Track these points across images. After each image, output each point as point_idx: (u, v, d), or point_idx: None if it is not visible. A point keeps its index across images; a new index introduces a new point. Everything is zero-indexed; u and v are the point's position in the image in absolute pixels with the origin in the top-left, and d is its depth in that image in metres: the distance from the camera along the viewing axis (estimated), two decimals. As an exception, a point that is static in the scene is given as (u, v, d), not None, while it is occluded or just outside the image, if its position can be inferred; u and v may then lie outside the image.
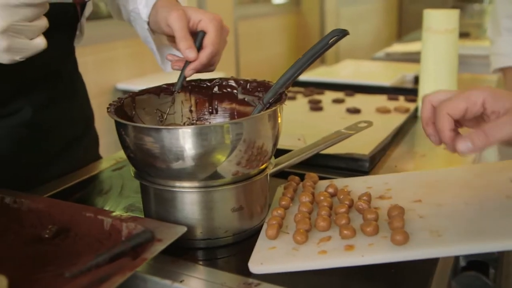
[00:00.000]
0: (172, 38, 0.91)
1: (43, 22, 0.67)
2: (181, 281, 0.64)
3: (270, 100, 0.76)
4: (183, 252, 0.72)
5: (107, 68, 3.08)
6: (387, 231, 0.67)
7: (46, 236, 0.68)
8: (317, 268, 0.64)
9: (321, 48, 0.76)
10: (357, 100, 1.49)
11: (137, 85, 2.93)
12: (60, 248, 0.65)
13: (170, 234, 0.62)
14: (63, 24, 0.97)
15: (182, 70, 0.84)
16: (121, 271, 0.55)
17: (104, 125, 1.19)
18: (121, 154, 1.13)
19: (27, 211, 0.75)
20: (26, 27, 0.65)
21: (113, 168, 1.07)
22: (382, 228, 0.68)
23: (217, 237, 0.73)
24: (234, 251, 0.74)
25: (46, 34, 0.82)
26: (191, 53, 0.82)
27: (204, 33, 0.84)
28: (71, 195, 0.95)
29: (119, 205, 0.89)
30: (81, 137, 1.12)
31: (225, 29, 0.88)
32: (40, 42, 0.68)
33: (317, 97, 1.53)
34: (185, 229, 0.64)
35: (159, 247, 0.59)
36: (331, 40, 0.75)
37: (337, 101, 1.47)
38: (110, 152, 1.27)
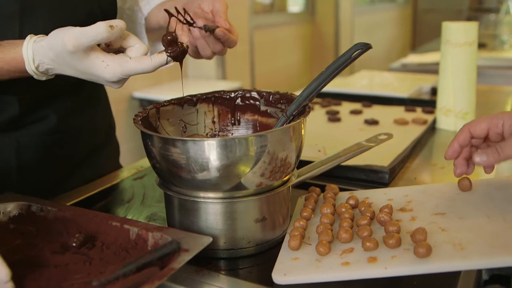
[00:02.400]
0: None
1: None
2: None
3: (294, 113, 0.77)
4: (207, 261, 0.73)
5: (124, 77, 3.10)
6: (410, 243, 0.68)
7: (74, 244, 0.69)
8: (340, 280, 0.65)
9: (344, 62, 0.77)
10: (375, 112, 1.50)
11: (153, 94, 2.96)
12: (87, 257, 0.66)
13: (196, 244, 0.63)
14: None
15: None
16: (149, 280, 0.56)
17: (120, 134, 1.21)
18: (142, 163, 1.15)
19: (53, 219, 0.76)
20: None
21: (134, 177, 1.08)
22: (404, 240, 0.68)
23: (240, 248, 0.74)
24: (256, 261, 0.75)
25: None
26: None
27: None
28: (94, 204, 0.96)
29: (142, 214, 0.90)
30: (103, 145, 1.13)
31: None
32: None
33: (334, 108, 1.54)
34: (210, 239, 0.65)
35: (186, 257, 0.60)
36: (354, 54, 0.76)
37: (355, 112, 1.48)
38: (127, 160, 1.28)
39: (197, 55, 0.98)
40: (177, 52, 0.76)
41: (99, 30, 0.72)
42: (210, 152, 0.68)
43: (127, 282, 0.57)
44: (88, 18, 0.92)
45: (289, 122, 0.77)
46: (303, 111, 0.77)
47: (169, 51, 0.75)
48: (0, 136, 0.92)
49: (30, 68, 0.76)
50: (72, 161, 1.04)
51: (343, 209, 0.79)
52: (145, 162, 1.15)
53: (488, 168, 0.80)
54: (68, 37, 0.73)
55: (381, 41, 6.55)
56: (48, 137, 0.97)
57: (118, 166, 1.21)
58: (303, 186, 0.90)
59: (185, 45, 0.78)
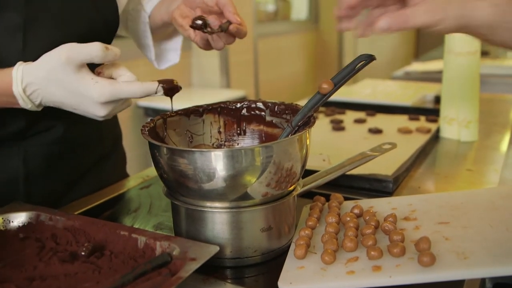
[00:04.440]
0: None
1: (130, 102, 0.82)
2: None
3: (299, 123, 0.78)
4: (213, 270, 0.74)
5: (129, 85, 3.12)
6: (414, 252, 0.68)
7: (83, 253, 0.70)
8: (345, 288, 0.65)
9: (349, 73, 0.78)
10: (379, 120, 1.51)
11: (157, 103, 2.97)
12: (96, 266, 0.67)
13: (203, 253, 0.64)
14: (104, 40, 1.00)
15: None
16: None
17: (126, 142, 1.22)
18: (148, 172, 1.16)
19: (62, 228, 0.77)
20: (119, 107, 0.80)
21: (141, 186, 1.09)
22: (408, 249, 0.69)
23: (246, 256, 0.75)
24: (262, 270, 0.76)
25: None
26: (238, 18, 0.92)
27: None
28: (101, 213, 0.97)
29: (149, 223, 0.91)
30: (110, 154, 1.15)
31: None
32: (128, 104, 0.82)
33: (338, 117, 1.55)
34: (217, 248, 0.66)
35: (193, 266, 0.61)
36: (359, 65, 0.77)
37: (359, 121, 1.49)
38: (133, 168, 1.29)
39: (208, 47, 0.99)
40: (170, 88, 0.78)
41: (95, 47, 0.75)
42: (217, 163, 0.69)
43: (136, 290, 0.58)
44: (90, 29, 0.94)
45: (294, 133, 0.78)
46: (308, 122, 0.78)
47: (162, 84, 0.77)
48: (8, 146, 0.93)
49: (17, 90, 0.77)
50: (79, 170, 1.05)
51: (348, 218, 0.79)
52: (151, 172, 1.16)
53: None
54: (64, 49, 0.76)
55: (384, 49, 6.56)
56: (55, 147, 0.98)
57: (125, 175, 1.22)
58: (308, 195, 0.91)
59: (179, 85, 0.81)
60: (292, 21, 5.43)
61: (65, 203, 1.01)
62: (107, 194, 1.06)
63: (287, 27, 5.11)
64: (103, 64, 0.80)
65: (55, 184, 1.01)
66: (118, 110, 0.81)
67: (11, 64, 0.86)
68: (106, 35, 1.01)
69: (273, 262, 0.77)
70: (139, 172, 1.19)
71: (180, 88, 0.81)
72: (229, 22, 0.93)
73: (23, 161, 0.95)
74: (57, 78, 0.76)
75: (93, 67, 0.79)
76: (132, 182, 1.12)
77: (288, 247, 0.78)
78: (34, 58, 0.87)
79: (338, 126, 1.42)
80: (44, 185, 0.98)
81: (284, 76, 4.88)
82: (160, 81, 0.77)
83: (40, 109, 0.82)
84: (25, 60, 0.84)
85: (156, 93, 0.77)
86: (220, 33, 0.94)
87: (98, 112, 0.78)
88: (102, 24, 0.98)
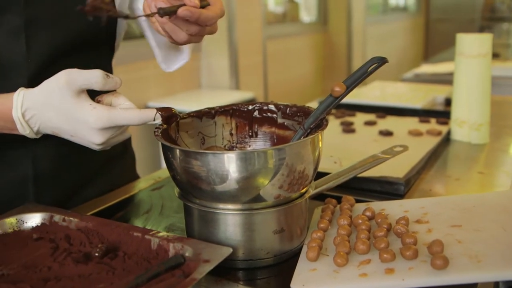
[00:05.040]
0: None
1: (128, 134, 0.83)
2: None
3: (311, 126, 0.78)
4: (226, 272, 0.74)
5: (138, 87, 3.14)
6: (426, 255, 0.69)
7: (96, 254, 0.70)
8: (358, 291, 0.66)
9: (361, 76, 0.78)
10: (389, 122, 1.50)
11: (167, 104, 2.98)
12: (110, 267, 0.68)
13: (217, 255, 0.65)
14: (102, 44, 1.01)
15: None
16: (173, 290, 0.57)
17: (135, 143, 1.23)
18: (160, 173, 1.17)
19: (76, 229, 0.78)
20: (116, 137, 0.80)
21: (152, 187, 1.10)
22: (421, 252, 0.69)
23: (258, 258, 0.75)
24: (274, 272, 0.76)
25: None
26: None
27: None
28: (113, 214, 0.98)
29: (160, 225, 0.92)
30: (120, 155, 1.15)
31: None
32: (127, 135, 0.83)
33: (348, 119, 1.55)
34: (230, 250, 0.66)
35: (207, 268, 0.62)
36: (371, 68, 0.77)
37: (369, 123, 1.49)
38: (142, 169, 1.30)
39: (173, 40, 0.88)
40: (169, 116, 0.79)
41: (95, 74, 0.75)
42: (230, 165, 0.69)
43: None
44: (89, 28, 0.94)
45: (306, 135, 0.78)
46: (320, 124, 0.79)
47: (161, 111, 0.77)
48: (17, 148, 0.94)
49: (17, 115, 0.78)
50: (88, 172, 1.06)
51: (360, 221, 0.80)
52: (163, 173, 1.17)
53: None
54: (63, 74, 0.76)
55: (393, 50, 6.56)
56: (64, 148, 0.97)
57: (135, 176, 1.22)
58: (319, 197, 0.91)
59: (178, 113, 0.81)
60: (301, 23, 5.43)
61: (74, 204, 1.01)
62: (118, 195, 1.06)
63: (296, 28, 5.11)
64: (103, 93, 0.80)
65: (65, 185, 1.01)
66: (115, 141, 0.81)
67: (17, 67, 0.87)
68: (107, 35, 1.01)
69: (285, 264, 0.77)
70: (148, 173, 1.20)
71: (179, 116, 0.81)
72: (180, 5, 0.78)
73: (32, 162, 0.95)
74: (55, 102, 0.76)
75: (93, 96, 0.79)
76: (143, 183, 1.13)
77: (300, 249, 0.78)
78: (38, 60, 0.88)
79: (348, 128, 1.42)
80: (53, 186, 0.98)
81: (293, 78, 4.89)
82: (158, 109, 0.77)
83: (38, 136, 0.82)
84: (29, 62, 0.85)
85: (154, 120, 0.77)
86: (178, 22, 0.82)
87: (95, 139, 0.77)
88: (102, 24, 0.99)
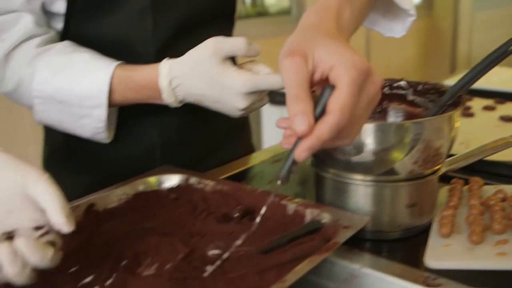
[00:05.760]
0: None
1: (266, 100, 0.86)
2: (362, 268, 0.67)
3: (447, 103, 0.77)
4: (354, 242, 0.75)
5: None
6: None
7: (236, 215, 0.74)
8: (496, 269, 0.65)
9: (500, 56, 0.77)
10: (509, 108, 1.45)
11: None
12: (248, 227, 0.71)
13: (356, 222, 0.66)
14: (223, 17, 1.05)
15: (291, 150, 0.55)
16: (318, 252, 0.59)
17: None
18: (279, 147, 1.19)
19: (211, 192, 0.82)
20: (257, 104, 0.83)
21: (273, 160, 1.13)
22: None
23: (388, 231, 0.76)
24: (402, 246, 0.77)
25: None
26: (300, 123, 0.52)
27: (332, 88, 0.54)
28: (237, 183, 1.01)
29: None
30: (241, 126, 1.18)
31: (373, 82, 0.57)
32: (265, 102, 0.85)
33: (466, 103, 1.51)
34: (368, 218, 0.68)
35: (348, 233, 0.63)
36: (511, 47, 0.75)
37: (488, 108, 1.44)
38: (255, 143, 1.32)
39: None
40: None
41: (240, 41, 0.80)
42: (368, 136, 0.70)
43: (295, 252, 0.61)
44: (212, 2, 0.98)
45: (441, 113, 0.78)
46: (457, 102, 0.78)
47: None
48: (146, 117, 0.99)
49: (163, 83, 0.83)
50: (211, 142, 1.10)
51: (492, 202, 0.79)
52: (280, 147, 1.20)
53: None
54: (210, 42, 0.80)
55: (504, 37, 6.24)
56: (190, 117, 1.02)
57: (251, 149, 1.26)
58: (444, 179, 0.90)
59: None
60: (405, 7, 5.29)
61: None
62: (239, 166, 1.10)
63: (400, 12, 4.98)
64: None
65: (188, 156, 1.05)
66: (255, 107, 0.84)
67: (144, 44, 0.92)
68: (228, 8, 1.04)
69: (412, 239, 0.77)
70: (262, 147, 1.22)
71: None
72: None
73: (159, 132, 1.00)
74: (202, 70, 0.81)
75: None
76: (264, 155, 1.16)
77: (428, 226, 0.78)
78: (163, 37, 0.93)
79: (466, 112, 1.39)
80: (177, 156, 1.02)
81: (395, 63, 4.78)
82: None
83: (179, 105, 0.87)
84: (155, 39, 0.90)
85: None
86: None
87: (239, 104, 0.81)
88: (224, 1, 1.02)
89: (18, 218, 0.57)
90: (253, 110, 0.85)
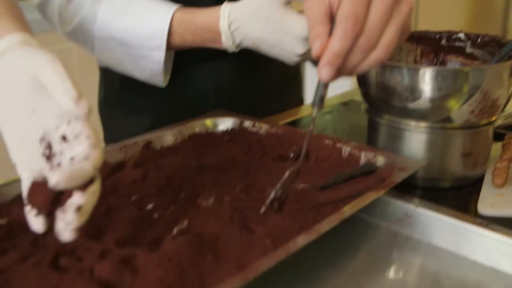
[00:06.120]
0: None
1: None
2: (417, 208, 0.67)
3: (509, 54, 0.77)
4: (405, 189, 0.76)
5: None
6: None
7: (291, 155, 0.76)
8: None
9: None
10: None
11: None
12: (305, 167, 0.72)
13: (411, 164, 0.67)
14: None
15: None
16: (375, 189, 0.60)
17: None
18: (328, 101, 1.20)
19: (266, 134, 0.83)
20: None
21: (323, 111, 1.13)
22: None
23: (441, 179, 0.77)
24: (454, 195, 0.77)
25: None
26: (315, 45, 0.57)
27: None
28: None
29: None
30: (294, 78, 1.19)
31: None
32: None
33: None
34: (424, 162, 0.68)
35: (404, 174, 0.64)
36: None
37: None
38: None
39: None
40: None
41: None
42: (426, 82, 0.70)
43: (351, 190, 0.63)
44: None
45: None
46: (519, 54, 0.77)
47: None
48: (201, 62, 1.01)
49: (223, 25, 0.84)
50: (264, 91, 1.11)
51: (548, 156, 0.78)
52: (330, 100, 1.20)
53: None
54: None
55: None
56: (245, 64, 1.03)
57: (301, 100, 1.26)
58: (497, 136, 0.89)
59: None
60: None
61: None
62: (291, 116, 1.11)
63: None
64: None
65: (241, 103, 1.06)
66: (311, 55, 0.84)
67: None
68: None
69: (464, 189, 0.78)
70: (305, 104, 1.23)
71: None
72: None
73: (215, 78, 1.02)
74: (262, 14, 0.81)
75: None
76: (313, 107, 1.16)
77: (481, 177, 0.78)
78: None
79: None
80: (230, 103, 1.04)
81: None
82: None
83: (237, 50, 0.88)
84: None
85: None
86: None
87: (298, 48, 0.82)
88: None
89: (45, 117, 0.53)
90: (308, 58, 0.86)
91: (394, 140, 0.77)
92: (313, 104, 0.60)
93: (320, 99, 0.59)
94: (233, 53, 1.00)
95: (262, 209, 0.61)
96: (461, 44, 0.89)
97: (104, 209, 0.63)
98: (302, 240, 0.52)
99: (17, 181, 0.67)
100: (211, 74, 1.02)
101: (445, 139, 0.75)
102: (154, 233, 0.58)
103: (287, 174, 0.62)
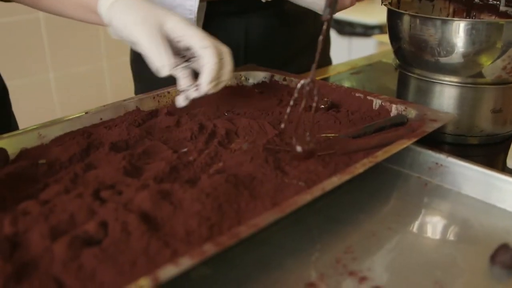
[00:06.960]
0: None
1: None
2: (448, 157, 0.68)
3: (544, 11, 0.76)
4: (434, 144, 0.77)
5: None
6: None
7: (322, 106, 0.76)
8: None
9: None
10: None
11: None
12: (336, 118, 0.73)
13: (442, 117, 0.67)
14: None
15: None
16: (406, 136, 0.61)
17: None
18: (356, 61, 1.20)
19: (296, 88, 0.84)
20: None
21: (350, 72, 1.14)
22: None
23: (470, 135, 0.77)
24: (482, 151, 0.77)
25: None
26: None
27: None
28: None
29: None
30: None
31: None
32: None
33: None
34: (455, 115, 0.69)
35: (435, 125, 0.65)
36: None
37: None
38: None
39: None
40: None
41: None
42: (460, 35, 0.70)
43: (382, 138, 0.63)
44: None
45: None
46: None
47: None
48: (232, 16, 1.01)
49: None
50: (292, 48, 1.11)
51: None
52: (359, 61, 1.20)
53: None
54: None
55: None
56: (275, 19, 1.03)
57: (329, 60, 1.26)
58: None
59: None
60: None
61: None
62: (318, 74, 1.11)
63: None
64: None
65: (269, 59, 1.07)
66: (339, 8, 0.85)
67: None
68: None
69: (492, 146, 0.78)
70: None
71: None
72: None
73: (245, 31, 1.02)
74: None
75: None
76: (341, 67, 1.17)
77: (508, 137, 0.78)
78: None
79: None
80: (260, 58, 1.05)
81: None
82: None
83: None
84: None
85: None
86: None
87: None
88: None
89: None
90: (338, 10, 0.86)
91: (425, 95, 0.78)
92: (322, 18, 0.65)
93: (328, 12, 0.64)
94: (263, 9, 1.01)
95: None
96: (494, 2, 0.88)
97: (141, 151, 0.65)
98: (336, 180, 0.53)
99: (57, 122, 0.69)
100: (241, 28, 1.03)
101: (476, 95, 0.75)
102: (191, 173, 0.59)
103: None
